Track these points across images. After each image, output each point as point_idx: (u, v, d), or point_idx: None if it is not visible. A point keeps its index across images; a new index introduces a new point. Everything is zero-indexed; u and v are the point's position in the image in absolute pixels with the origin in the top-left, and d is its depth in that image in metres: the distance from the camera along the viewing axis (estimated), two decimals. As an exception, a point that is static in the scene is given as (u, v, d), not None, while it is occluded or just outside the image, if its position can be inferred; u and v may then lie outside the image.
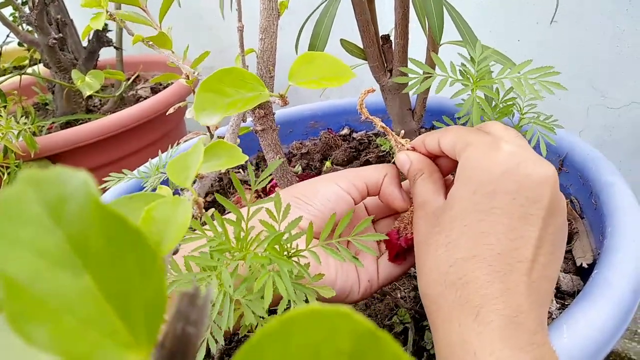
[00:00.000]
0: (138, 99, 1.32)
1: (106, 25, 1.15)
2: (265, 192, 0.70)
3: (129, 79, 1.39)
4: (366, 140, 0.81)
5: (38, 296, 0.10)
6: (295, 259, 0.33)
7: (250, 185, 0.76)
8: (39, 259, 0.11)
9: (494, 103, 0.53)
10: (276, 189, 0.47)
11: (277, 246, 0.32)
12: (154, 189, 0.60)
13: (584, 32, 0.89)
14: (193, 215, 0.26)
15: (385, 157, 0.74)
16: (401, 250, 0.43)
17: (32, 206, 0.11)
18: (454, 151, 0.39)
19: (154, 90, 1.35)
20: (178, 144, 0.74)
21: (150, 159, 0.62)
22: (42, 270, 0.11)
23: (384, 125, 0.46)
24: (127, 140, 1.06)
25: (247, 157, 0.31)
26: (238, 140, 0.53)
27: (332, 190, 0.42)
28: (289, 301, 0.29)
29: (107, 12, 0.54)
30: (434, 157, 0.43)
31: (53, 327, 0.10)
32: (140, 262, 0.11)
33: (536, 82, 0.47)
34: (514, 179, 0.33)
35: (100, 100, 1.31)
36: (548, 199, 0.33)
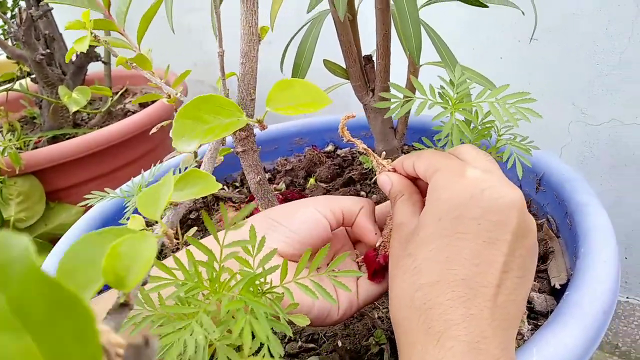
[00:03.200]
0: (126, 113, 1.32)
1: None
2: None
3: (117, 93, 1.39)
4: (350, 157, 0.82)
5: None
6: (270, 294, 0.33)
7: (234, 203, 0.77)
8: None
9: (472, 125, 0.53)
10: (254, 213, 0.47)
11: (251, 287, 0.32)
12: (136, 210, 0.60)
13: (564, 49, 0.91)
14: (164, 246, 0.27)
15: (368, 174, 0.75)
16: (379, 268, 0.43)
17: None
18: (427, 175, 0.39)
19: (142, 105, 1.35)
20: (161, 162, 0.75)
21: (132, 178, 0.62)
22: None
23: (365, 147, 0.47)
24: (113, 155, 1.06)
25: (220, 186, 0.31)
26: (221, 159, 0.53)
27: (310, 213, 0.43)
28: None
29: (91, 34, 0.54)
30: (414, 179, 0.44)
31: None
32: (77, 327, 0.11)
33: (512, 107, 0.48)
34: (479, 204, 0.34)
35: (88, 114, 1.31)
36: (515, 224, 0.34)
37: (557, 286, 0.49)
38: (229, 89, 0.47)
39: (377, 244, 0.45)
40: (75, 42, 0.53)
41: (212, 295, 0.31)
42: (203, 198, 0.77)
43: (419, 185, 0.44)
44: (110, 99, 1.21)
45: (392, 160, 0.47)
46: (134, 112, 1.34)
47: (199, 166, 0.75)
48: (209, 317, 0.27)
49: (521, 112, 0.49)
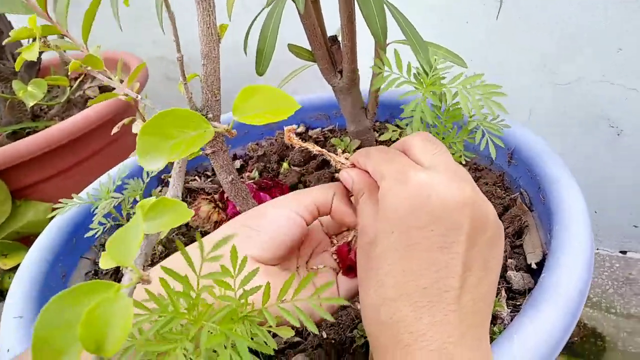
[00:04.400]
0: (86, 100, 1.27)
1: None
2: (221, 200, 0.70)
3: (76, 79, 1.34)
4: (322, 139, 0.81)
5: None
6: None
7: (207, 193, 0.76)
8: None
9: (444, 107, 0.53)
10: (240, 217, 0.46)
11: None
12: (108, 215, 0.58)
13: (531, 13, 0.90)
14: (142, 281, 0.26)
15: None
16: (353, 264, 0.43)
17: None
18: (375, 179, 0.39)
19: (102, 89, 1.30)
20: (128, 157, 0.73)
21: (99, 180, 0.60)
22: None
23: (319, 148, 0.46)
24: (76, 148, 1.03)
25: (192, 213, 0.30)
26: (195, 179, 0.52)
27: (283, 214, 0.42)
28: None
29: (40, 39, 0.51)
30: None
31: None
32: None
33: (481, 98, 0.48)
34: (426, 210, 0.33)
35: (47, 105, 1.26)
36: (467, 223, 0.33)
37: (534, 265, 0.50)
38: (192, 93, 0.46)
39: (349, 238, 0.45)
40: (24, 50, 0.50)
41: (192, 324, 0.30)
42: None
43: None
44: (69, 88, 1.16)
45: (353, 152, 0.46)
46: (93, 99, 1.29)
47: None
48: (188, 350, 0.27)
49: (488, 104, 0.49)
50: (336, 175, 0.45)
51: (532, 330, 0.39)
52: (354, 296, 0.44)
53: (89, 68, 0.52)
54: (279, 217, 0.42)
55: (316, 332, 0.32)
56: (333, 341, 0.48)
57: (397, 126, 0.59)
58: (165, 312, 0.31)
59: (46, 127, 1.16)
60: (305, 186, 0.73)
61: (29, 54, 0.50)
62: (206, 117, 0.49)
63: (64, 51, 1.19)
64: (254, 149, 0.82)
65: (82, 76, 1.31)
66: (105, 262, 0.28)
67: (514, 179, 0.63)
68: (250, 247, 0.40)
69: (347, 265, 0.43)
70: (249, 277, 0.35)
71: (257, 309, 0.33)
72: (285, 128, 0.44)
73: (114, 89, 0.56)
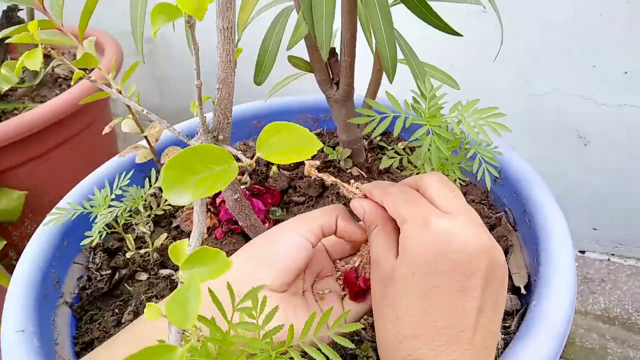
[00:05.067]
0: (56, 80, 1.23)
1: (16, 6, 1.04)
2: (213, 205, 0.70)
3: (46, 55, 1.28)
4: (311, 143, 0.82)
5: None
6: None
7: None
8: None
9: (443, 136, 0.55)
10: (249, 245, 0.47)
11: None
12: (108, 224, 0.58)
13: (511, 20, 0.93)
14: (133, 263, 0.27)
15: (332, 162, 0.76)
16: (360, 290, 0.46)
17: None
18: (395, 218, 0.41)
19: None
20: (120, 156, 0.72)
21: (95, 187, 0.59)
22: None
23: (333, 179, 0.47)
24: (49, 134, 0.99)
25: (232, 263, 0.31)
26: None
27: (294, 242, 0.43)
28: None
29: (41, 45, 0.50)
30: None
31: None
32: None
33: (486, 124, 0.50)
34: (448, 257, 0.36)
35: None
36: (484, 268, 0.36)
37: (523, 291, 0.53)
38: (205, 116, 0.46)
39: (356, 264, 0.47)
40: (25, 56, 0.48)
41: None
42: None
43: None
44: (42, 70, 1.12)
45: (361, 179, 0.48)
46: (64, 78, 1.25)
47: (154, 156, 0.73)
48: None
49: (492, 127, 0.51)
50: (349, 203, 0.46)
51: (526, 358, 0.42)
52: (359, 320, 0.47)
53: (51, 49, 0.50)
54: (290, 244, 0.43)
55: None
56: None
57: (396, 152, 0.60)
58: (197, 355, 0.32)
59: (15, 108, 1.11)
60: (296, 191, 0.74)
61: (31, 62, 0.49)
62: (217, 138, 0.49)
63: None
64: (241, 149, 0.82)
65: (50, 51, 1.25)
66: (152, 315, 0.29)
67: (498, 197, 0.66)
68: (264, 278, 0.42)
69: (355, 292, 0.45)
70: (270, 315, 0.36)
71: (282, 348, 0.35)
72: (307, 163, 0.45)
73: (85, 69, 0.55)
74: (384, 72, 0.66)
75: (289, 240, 0.43)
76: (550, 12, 0.89)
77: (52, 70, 1.25)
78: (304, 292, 0.46)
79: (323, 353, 0.35)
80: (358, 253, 0.48)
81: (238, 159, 0.40)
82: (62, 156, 1.05)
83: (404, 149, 0.61)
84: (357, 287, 0.45)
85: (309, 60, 0.66)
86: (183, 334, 0.32)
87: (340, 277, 0.48)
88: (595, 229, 1.10)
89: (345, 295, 0.47)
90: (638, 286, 1.08)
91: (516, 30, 0.93)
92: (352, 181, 0.46)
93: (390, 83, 0.52)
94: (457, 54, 1.01)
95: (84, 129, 1.08)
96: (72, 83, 0.53)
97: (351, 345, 0.36)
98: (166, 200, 0.62)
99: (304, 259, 0.43)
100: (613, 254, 1.13)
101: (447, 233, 0.36)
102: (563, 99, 0.97)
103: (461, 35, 0.48)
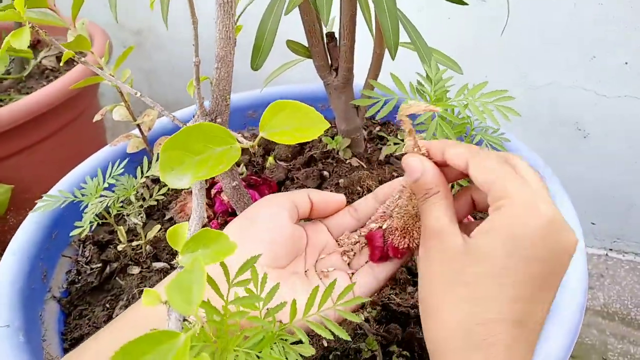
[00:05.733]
0: (43, 71, 1.19)
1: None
2: (209, 197, 0.67)
3: (31, 46, 1.25)
4: (308, 133, 0.80)
5: None
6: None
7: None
8: None
9: (447, 119, 0.53)
10: (231, 225, 0.45)
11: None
12: (99, 215, 0.55)
13: (510, 14, 0.92)
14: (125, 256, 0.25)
15: (330, 153, 0.74)
16: (385, 256, 0.43)
17: None
18: (487, 188, 0.36)
19: (60, 58, 1.22)
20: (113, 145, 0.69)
21: (87, 177, 0.57)
22: None
23: (412, 128, 0.40)
24: (37, 125, 0.96)
25: (237, 245, 0.29)
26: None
27: (271, 216, 0.44)
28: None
29: (28, 24, 0.47)
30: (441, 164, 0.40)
31: None
32: None
33: (494, 107, 0.48)
34: (549, 246, 0.33)
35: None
36: (567, 267, 0.35)
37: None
38: (204, 97, 0.43)
39: (384, 226, 0.44)
40: (12, 35, 0.46)
41: (222, 352, 0.30)
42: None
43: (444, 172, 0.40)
44: (32, 62, 1.08)
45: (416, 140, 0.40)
46: (51, 70, 1.21)
47: (147, 146, 0.70)
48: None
49: (501, 111, 0.49)
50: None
51: (543, 353, 0.41)
52: (372, 293, 0.44)
53: (38, 29, 0.48)
54: (267, 219, 0.43)
55: (348, 338, 0.34)
56: (338, 353, 0.48)
57: (396, 143, 0.58)
58: (195, 340, 0.30)
59: (1, 100, 1.08)
60: (293, 182, 0.72)
61: (17, 41, 0.46)
62: (214, 121, 0.47)
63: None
64: (236, 140, 0.79)
65: (39, 44, 1.22)
66: (150, 301, 0.27)
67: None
68: (251, 255, 0.40)
69: (379, 256, 0.43)
70: (271, 292, 0.34)
71: (285, 325, 0.33)
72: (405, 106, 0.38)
73: (73, 60, 0.52)
74: (384, 58, 0.65)
75: (265, 215, 0.44)
76: (550, 3, 0.87)
77: (40, 62, 1.22)
78: (306, 271, 0.45)
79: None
80: (380, 217, 0.45)
81: (240, 142, 0.38)
82: (49, 149, 1.02)
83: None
84: (382, 252, 0.43)
85: (306, 45, 0.64)
86: (184, 321, 0.30)
87: (346, 252, 0.45)
88: (593, 224, 1.09)
89: (352, 273, 0.44)
90: (637, 281, 1.07)
91: (513, 22, 0.91)
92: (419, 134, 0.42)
93: (392, 59, 0.50)
94: (454, 46, 1.00)
95: (71, 121, 1.05)
96: (60, 64, 0.51)
97: (357, 319, 0.34)
98: (159, 190, 0.59)
99: (286, 232, 0.43)
100: (611, 249, 1.12)
101: (554, 222, 0.34)
102: (562, 91, 0.96)
103: (466, 4, 0.45)
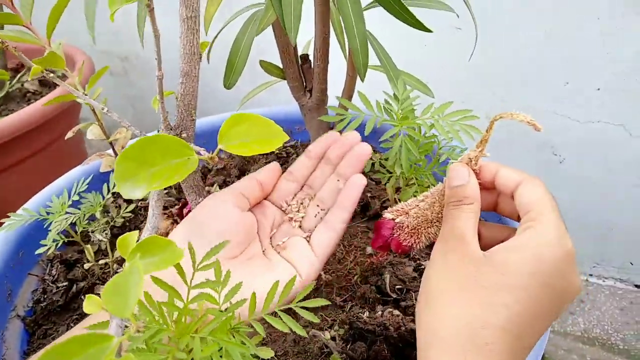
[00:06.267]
0: (25, 94, 1.19)
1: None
2: (180, 216, 0.67)
3: (13, 69, 1.25)
4: (284, 154, 0.80)
5: None
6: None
7: (165, 209, 0.73)
8: None
9: (415, 138, 0.54)
10: (178, 228, 0.45)
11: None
12: (64, 231, 0.55)
13: (486, 40, 0.94)
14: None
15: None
16: (385, 246, 0.44)
17: None
18: (524, 211, 0.38)
19: (43, 83, 1.23)
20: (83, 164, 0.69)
21: (53, 196, 0.56)
22: None
23: (486, 139, 0.43)
24: (17, 146, 0.96)
25: (183, 253, 0.29)
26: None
27: (219, 208, 0.44)
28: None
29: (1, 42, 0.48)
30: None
31: None
32: None
33: (457, 125, 0.49)
34: (566, 280, 0.36)
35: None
36: (567, 306, 0.38)
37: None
38: (168, 112, 0.44)
39: (397, 220, 0.44)
40: (-22, 50, 0.46)
41: (179, 338, 0.29)
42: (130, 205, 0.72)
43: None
44: (8, 83, 1.09)
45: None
46: (33, 93, 1.21)
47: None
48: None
49: (465, 130, 0.50)
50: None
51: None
52: (331, 252, 0.45)
53: (52, 75, 0.49)
54: (216, 212, 0.44)
55: (305, 335, 0.33)
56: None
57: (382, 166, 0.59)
58: (153, 323, 0.29)
59: (-20, 122, 1.07)
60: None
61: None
62: (179, 136, 0.47)
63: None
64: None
65: (22, 68, 1.23)
66: (91, 307, 0.26)
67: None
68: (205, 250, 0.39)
69: (381, 245, 0.44)
70: (234, 290, 0.34)
71: (244, 321, 0.33)
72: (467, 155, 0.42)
73: (55, 83, 0.52)
74: (356, 80, 0.66)
75: (210, 212, 0.44)
76: (524, 30, 0.90)
77: (22, 85, 1.22)
78: (264, 251, 0.45)
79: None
80: (400, 208, 0.45)
81: (199, 154, 0.38)
82: (29, 169, 1.02)
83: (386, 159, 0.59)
84: (384, 242, 0.44)
85: (280, 66, 0.65)
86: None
87: (292, 219, 0.46)
88: (572, 248, 1.09)
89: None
90: (617, 307, 1.07)
91: (489, 48, 0.94)
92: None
93: (362, 81, 0.51)
94: (430, 72, 1.01)
95: (52, 142, 1.05)
96: (29, 78, 0.51)
97: (316, 320, 0.34)
98: (126, 208, 0.59)
99: (232, 222, 0.43)
100: (591, 274, 1.12)
101: (574, 262, 0.36)
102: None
103: (431, 32, 0.47)
